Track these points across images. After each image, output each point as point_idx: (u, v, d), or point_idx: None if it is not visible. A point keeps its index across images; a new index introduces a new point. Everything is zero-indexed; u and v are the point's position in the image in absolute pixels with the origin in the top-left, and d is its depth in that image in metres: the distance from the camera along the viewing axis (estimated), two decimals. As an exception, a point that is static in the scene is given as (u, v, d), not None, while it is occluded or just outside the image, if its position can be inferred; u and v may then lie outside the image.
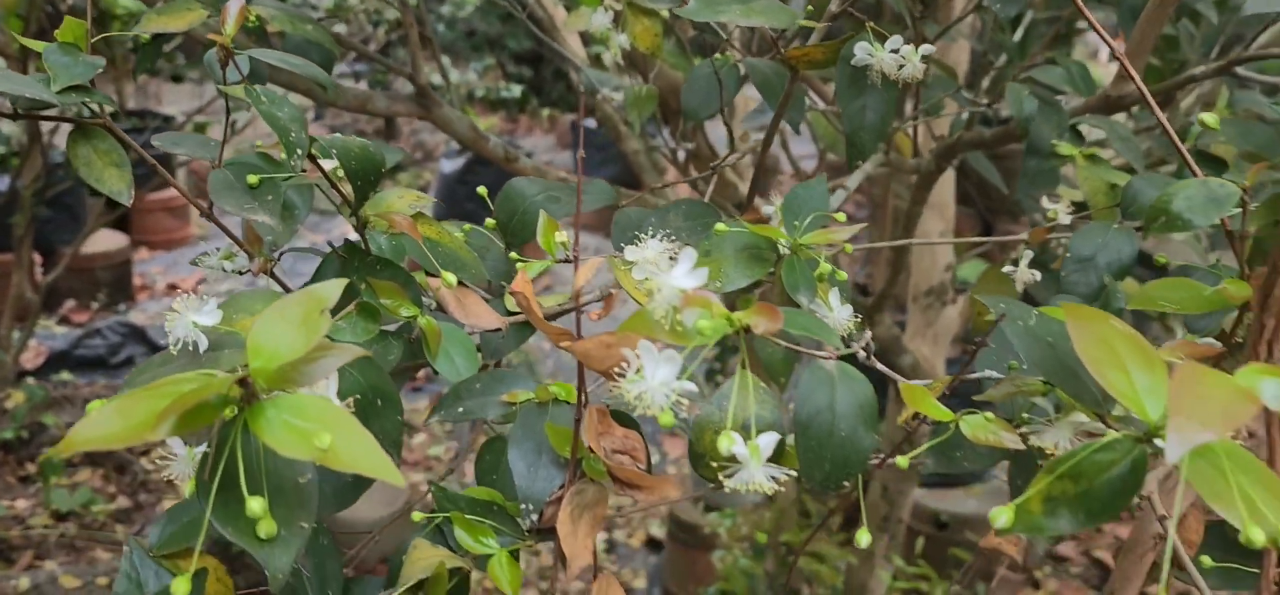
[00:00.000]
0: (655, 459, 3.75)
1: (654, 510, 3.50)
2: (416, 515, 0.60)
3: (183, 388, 0.45)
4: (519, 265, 0.63)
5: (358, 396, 0.61)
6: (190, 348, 0.55)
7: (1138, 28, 1.05)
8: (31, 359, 3.58)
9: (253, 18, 0.96)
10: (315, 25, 1.00)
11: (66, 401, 3.06)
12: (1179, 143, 0.57)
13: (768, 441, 0.47)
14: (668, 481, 0.56)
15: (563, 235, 0.63)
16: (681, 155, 1.68)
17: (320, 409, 0.44)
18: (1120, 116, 1.15)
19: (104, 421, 0.43)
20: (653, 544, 3.33)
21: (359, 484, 0.75)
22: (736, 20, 0.64)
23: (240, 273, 0.74)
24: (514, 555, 0.58)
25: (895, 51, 0.69)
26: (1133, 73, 0.60)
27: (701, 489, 2.67)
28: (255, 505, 0.43)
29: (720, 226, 0.62)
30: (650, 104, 1.19)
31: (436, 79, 4.28)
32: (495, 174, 1.12)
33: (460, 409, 0.62)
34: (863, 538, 0.54)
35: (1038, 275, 0.88)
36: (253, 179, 0.66)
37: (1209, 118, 0.56)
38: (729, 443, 0.46)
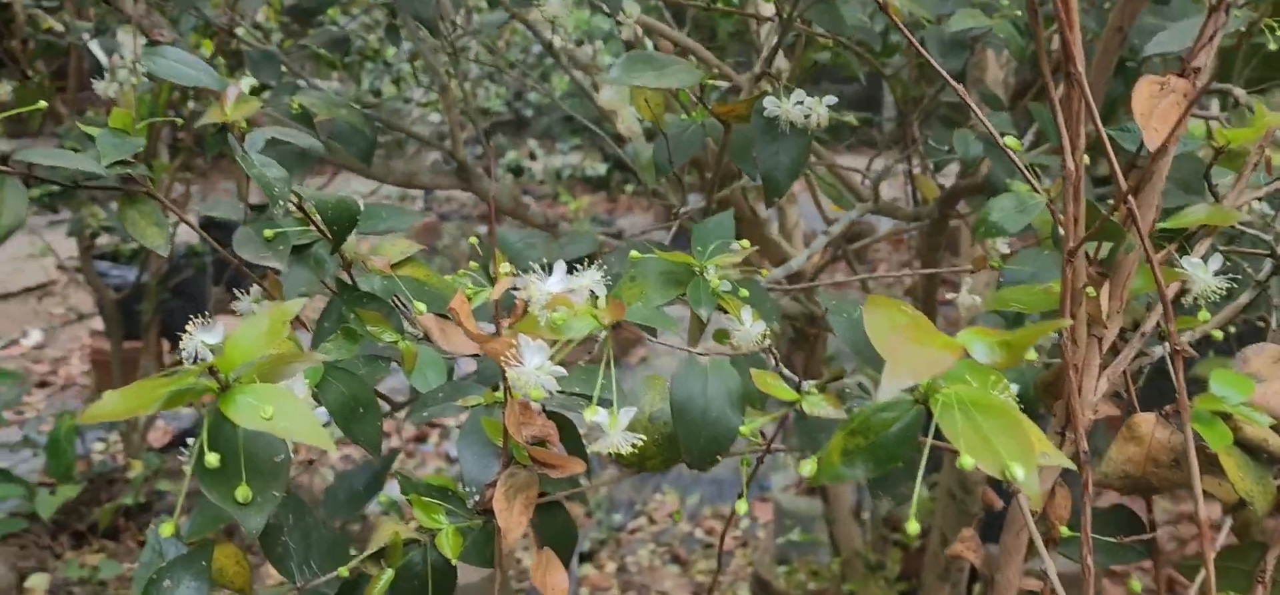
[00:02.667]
0: (745, 525, 3.80)
1: (742, 574, 3.55)
2: (382, 498, 0.72)
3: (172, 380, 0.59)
4: (462, 289, 0.76)
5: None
6: (200, 361, 0.69)
7: (1092, 69, 1.13)
8: (159, 438, 3.87)
9: (296, 106, 1.13)
10: (350, 110, 1.16)
11: (183, 473, 3.30)
12: (1016, 160, 0.66)
13: (625, 414, 0.58)
14: (575, 461, 0.67)
15: (506, 265, 0.75)
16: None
17: (273, 394, 0.58)
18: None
19: (112, 402, 0.57)
20: (741, 609, 3.37)
21: (368, 491, 0.88)
22: (651, 84, 0.76)
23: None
24: (460, 530, 0.70)
25: (800, 103, 0.81)
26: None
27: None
28: (211, 458, 0.56)
29: (634, 252, 0.74)
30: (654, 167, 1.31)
31: (526, 161, 4.48)
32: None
33: (426, 413, 0.75)
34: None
35: (979, 300, 0.97)
36: (268, 234, 0.81)
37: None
38: (592, 414, 0.58)
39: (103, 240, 3.94)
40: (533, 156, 4.39)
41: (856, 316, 0.62)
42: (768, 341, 0.73)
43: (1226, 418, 0.63)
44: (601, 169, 5.23)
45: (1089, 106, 0.54)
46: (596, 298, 0.72)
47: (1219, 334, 0.67)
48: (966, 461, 0.48)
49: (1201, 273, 0.67)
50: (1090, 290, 0.62)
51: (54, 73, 2.97)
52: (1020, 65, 1.46)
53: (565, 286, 0.59)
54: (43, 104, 0.96)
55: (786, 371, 1.40)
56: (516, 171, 4.55)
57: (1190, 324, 0.69)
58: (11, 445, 3.17)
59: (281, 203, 0.71)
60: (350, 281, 0.79)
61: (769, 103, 0.81)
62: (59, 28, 2.44)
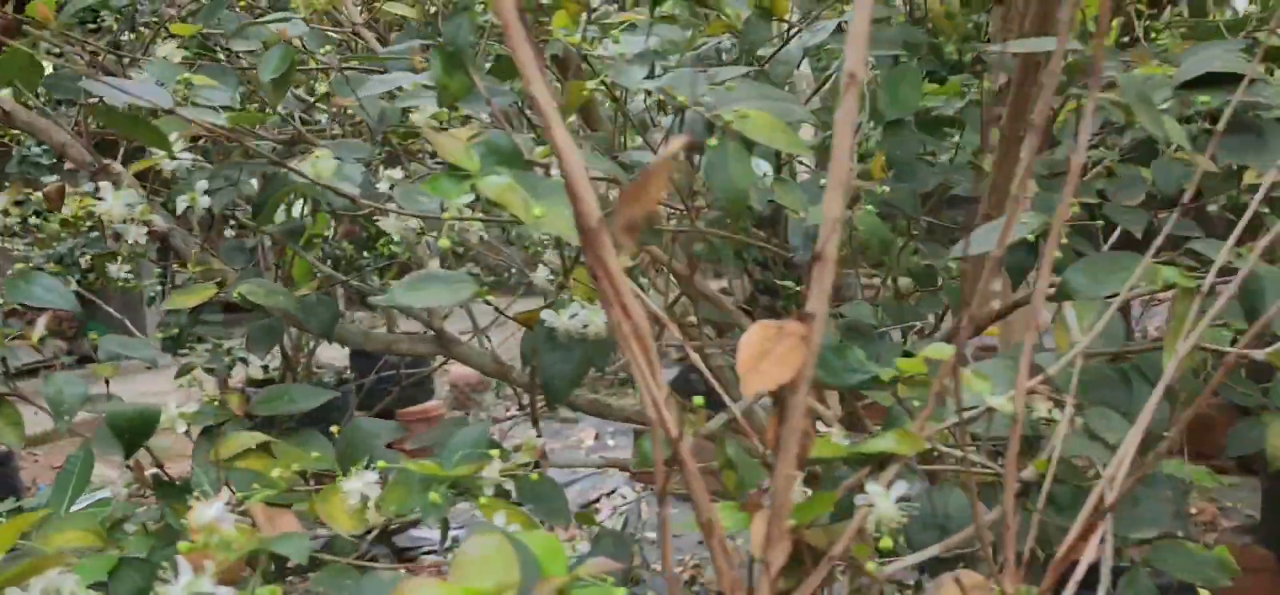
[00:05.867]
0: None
1: None
2: None
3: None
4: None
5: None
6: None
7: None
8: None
9: (238, 295, 1.25)
10: (287, 297, 1.28)
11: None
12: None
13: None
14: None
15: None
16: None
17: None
18: None
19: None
20: None
21: None
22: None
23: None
24: None
25: (574, 317, 0.85)
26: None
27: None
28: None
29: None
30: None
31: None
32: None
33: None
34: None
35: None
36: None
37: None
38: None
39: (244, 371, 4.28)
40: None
41: None
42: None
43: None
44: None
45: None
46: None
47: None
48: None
49: (883, 500, 0.67)
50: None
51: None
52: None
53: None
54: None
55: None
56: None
57: (863, 553, 0.68)
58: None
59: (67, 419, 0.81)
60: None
61: (547, 315, 0.86)
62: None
